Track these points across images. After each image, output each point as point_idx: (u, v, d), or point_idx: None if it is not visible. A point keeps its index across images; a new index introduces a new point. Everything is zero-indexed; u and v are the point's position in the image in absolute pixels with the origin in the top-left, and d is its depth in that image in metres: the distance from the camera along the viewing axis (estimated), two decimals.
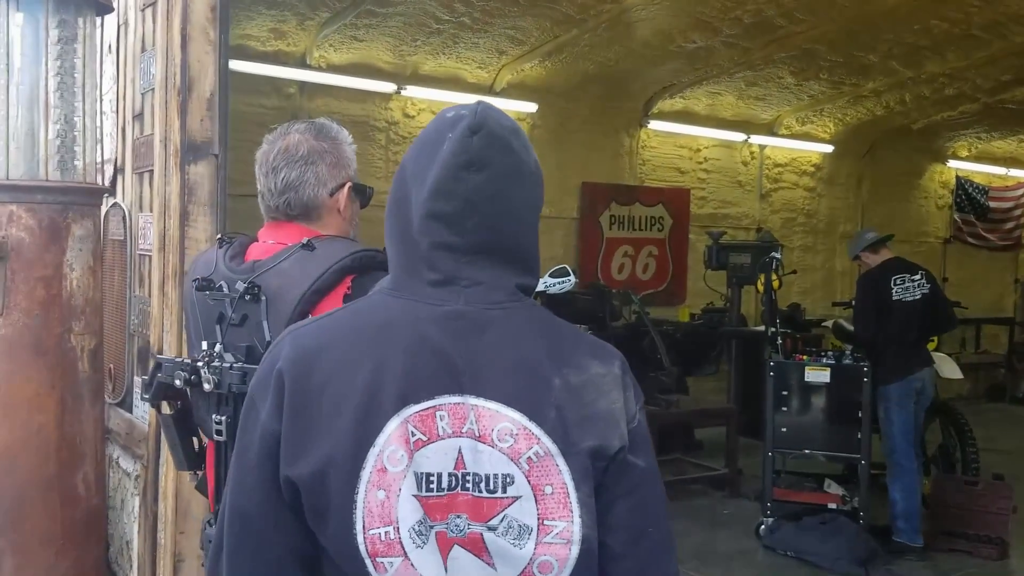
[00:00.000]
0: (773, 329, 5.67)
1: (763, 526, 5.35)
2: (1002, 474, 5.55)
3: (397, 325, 1.17)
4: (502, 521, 1.12)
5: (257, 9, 5.83)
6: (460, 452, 1.13)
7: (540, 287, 4.57)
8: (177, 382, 1.67)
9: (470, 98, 6.96)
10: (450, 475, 1.12)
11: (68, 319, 3.20)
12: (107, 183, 3.94)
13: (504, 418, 1.14)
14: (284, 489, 1.14)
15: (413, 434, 1.12)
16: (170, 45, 3.17)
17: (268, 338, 1.61)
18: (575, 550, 1.13)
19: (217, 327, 1.70)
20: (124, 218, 3.79)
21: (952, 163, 10.71)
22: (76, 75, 3.25)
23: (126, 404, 3.80)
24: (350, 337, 1.18)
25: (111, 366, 3.83)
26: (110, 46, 3.98)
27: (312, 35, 6.23)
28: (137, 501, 3.52)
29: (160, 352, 3.27)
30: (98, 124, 3.49)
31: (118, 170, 3.95)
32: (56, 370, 3.17)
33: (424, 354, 1.15)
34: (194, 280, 1.72)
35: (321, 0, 5.82)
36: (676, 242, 8.60)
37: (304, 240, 1.69)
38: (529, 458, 1.13)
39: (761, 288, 5.97)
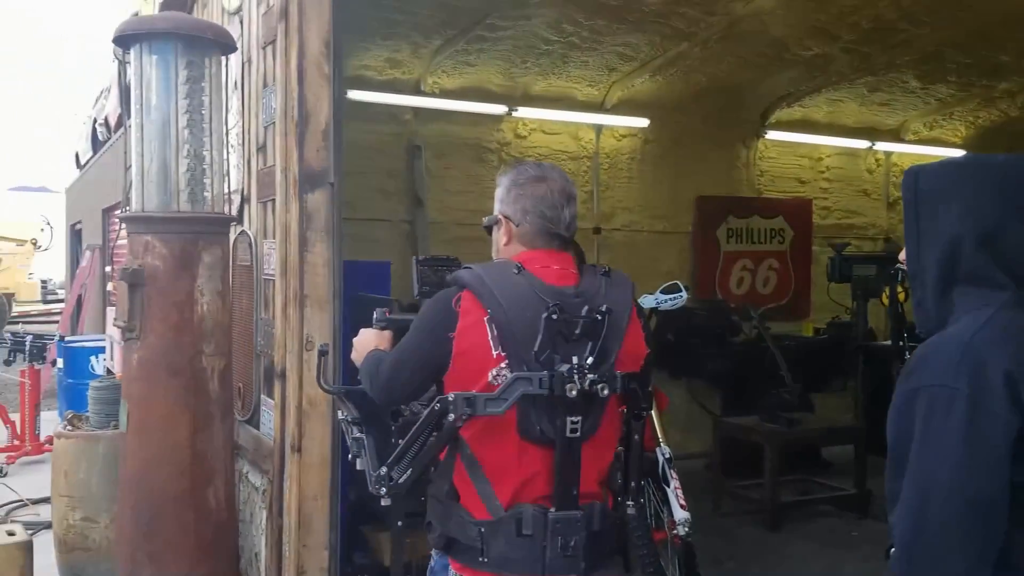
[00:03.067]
0: (901, 343, 5.43)
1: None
2: None
3: None
4: None
5: (373, 40, 6.04)
6: None
7: (651, 303, 4.53)
8: (572, 393, 1.96)
9: (581, 116, 6.94)
10: None
11: (199, 341, 3.38)
12: (234, 212, 4.15)
13: None
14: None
15: None
16: (288, 80, 3.33)
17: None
18: None
19: (553, 343, 2.00)
20: (250, 245, 3.98)
21: None
22: (204, 112, 3.44)
23: (254, 421, 3.97)
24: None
25: (240, 385, 4.01)
26: (235, 83, 4.20)
27: (426, 62, 6.41)
28: (264, 514, 3.67)
29: (284, 372, 3.41)
30: (225, 157, 3.68)
31: (244, 200, 4.15)
32: (189, 389, 3.35)
33: None
34: (554, 305, 1.99)
35: (433, 28, 5.97)
36: (798, 255, 8.35)
37: (604, 268, 2.17)
38: None
39: (886, 301, 5.73)
